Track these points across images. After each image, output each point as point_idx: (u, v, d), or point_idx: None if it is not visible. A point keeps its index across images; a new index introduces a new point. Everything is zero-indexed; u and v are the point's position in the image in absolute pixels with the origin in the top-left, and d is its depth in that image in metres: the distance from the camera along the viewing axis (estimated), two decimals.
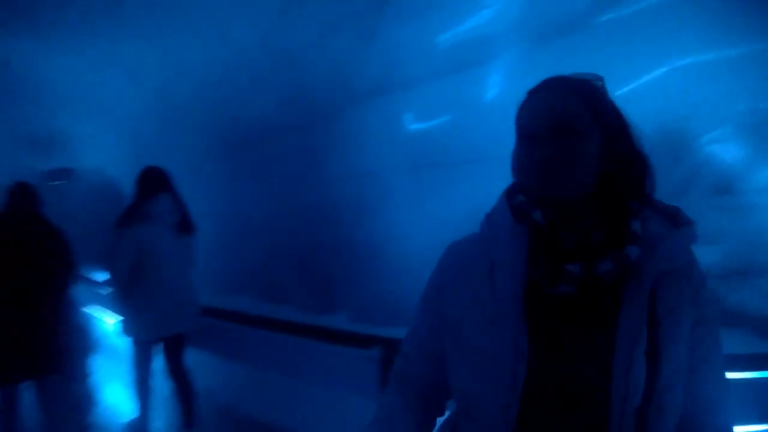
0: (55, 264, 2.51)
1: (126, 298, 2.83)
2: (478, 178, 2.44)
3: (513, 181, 0.74)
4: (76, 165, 5.48)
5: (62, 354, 2.48)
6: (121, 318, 2.80)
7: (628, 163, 0.69)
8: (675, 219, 0.69)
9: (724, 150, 2.12)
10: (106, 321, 4.08)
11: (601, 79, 0.71)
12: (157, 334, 2.86)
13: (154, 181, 2.85)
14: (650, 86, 2.11)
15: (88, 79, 4.19)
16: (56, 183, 5.39)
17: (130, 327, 2.83)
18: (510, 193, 0.74)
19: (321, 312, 3.13)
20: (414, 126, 2.73)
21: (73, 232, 4.55)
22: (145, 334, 2.84)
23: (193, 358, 3.87)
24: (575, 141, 0.64)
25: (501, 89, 2.19)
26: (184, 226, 2.89)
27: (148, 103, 4.24)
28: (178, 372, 2.91)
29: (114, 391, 3.52)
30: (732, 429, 0.72)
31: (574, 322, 0.66)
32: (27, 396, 2.45)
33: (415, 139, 2.67)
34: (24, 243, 2.41)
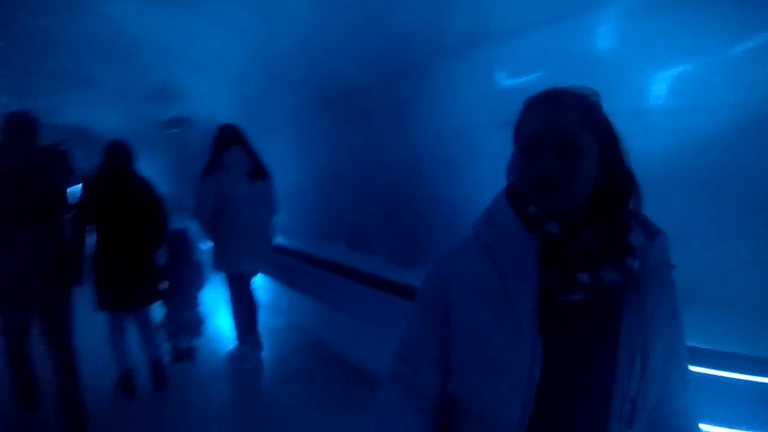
0: (149, 216, 2.84)
1: (210, 237, 3.29)
2: None
3: (508, 185, 0.80)
4: (190, 114, 6.05)
5: (158, 289, 3.00)
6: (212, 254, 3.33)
7: (620, 177, 0.74)
8: (649, 229, 0.74)
9: None
10: None
11: (596, 93, 0.75)
12: (236, 268, 3.33)
13: (227, 136, 3.22)
14: None
15: (196, 36, 4.50)
16: (173, 131, 6.03)
17: (216, 262, 3.33)
18: (513, 200, 0.76)
19: (406, 266, 3.26)
20: (506, 82, 2.58)
21: (190, 174, 5.12)
22: (226, 268, 3.32)
23: (290, 297, 4.31)
24: (575, 156, 0.69)
25: (607, 42, 1.96)
26: (257, 173, 3.24)
27: (249, 58, 4.46)
28: (247, 294, 3.44)
29: (219, 319, 4.08)
30: (695, 410, 0.80)
31: (581, 325, 0.71)
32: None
33: (506, 96, 2.54)
34: (121, 197, 2.74)
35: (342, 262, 3.70)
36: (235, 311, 3.45)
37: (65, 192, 2.59)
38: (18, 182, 2.28)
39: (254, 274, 3.54)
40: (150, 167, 8.11)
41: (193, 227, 3.63)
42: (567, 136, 0.69)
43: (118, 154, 2.85)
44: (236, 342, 3.52)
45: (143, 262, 2.86)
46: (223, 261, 3.30)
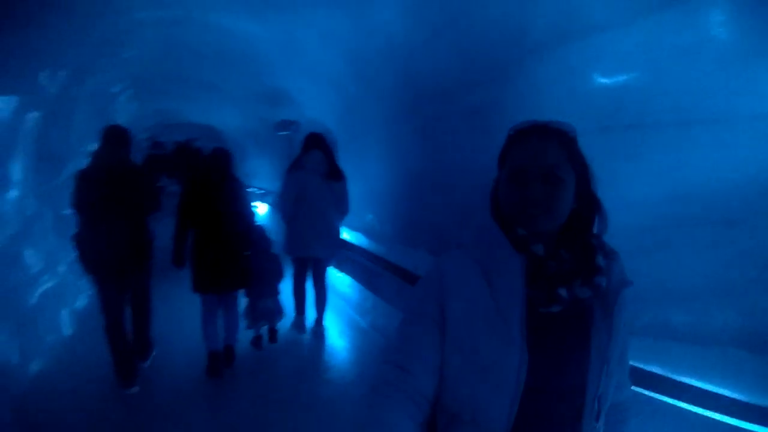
0: (239, 217, 3.30)
1: (286, 224, 3.98)
2: (684, 145, 1.94)
3: (492, 208, 0.92)
4: (298, 117, 6.47)
5: (249, 276, 3.48)
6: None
7: (590, 203, 0.88)
8: (606, 250, 0.88)
9: None
10: None
11: (574, 129, 0.87)
12: (300, 253, 4.01)
13: (311, 141, 3.91)
14: None
15: (298, 44, 4.77)
16: (283, 133, 6.52)
17: (286, 246, 4.06)
18: (498, 221, 0.89)
19: None
20: (601, 80, 2.29)
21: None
22: (292, 251, 4.06)
23: (374, 300, 4.36)
24: (559, 187, 0.82)
25: (720, 33, 1.61)
26: (332, 175, 3.88)
27: (345, 63, 4.61)
28: (318, 285, 4.15)
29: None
30: (631, 400, 1.00)
31: (558, 334, 0.84)
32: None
33: (602, 96, 2.27)
34: (216, 199, 3.18)
35: (418, 272, 3.65)
36: (295, 288, 4.18)
37: (155, 188, 3.36)
38: (113, 180, 2.90)
39: (324, 262, 4.08)
40: (261, 163, 8.89)
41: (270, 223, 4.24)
42: (553, 169, 0.82)
43: (219, 158, 3.31)
44: (294, 313, 4.23)
45: (232, 255, 3.30)
46: (290, 245, 3.96)
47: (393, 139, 4.36)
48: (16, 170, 3.58)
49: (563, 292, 0.82)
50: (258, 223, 3.76)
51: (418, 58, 3.53)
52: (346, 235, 4.99)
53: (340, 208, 4.02)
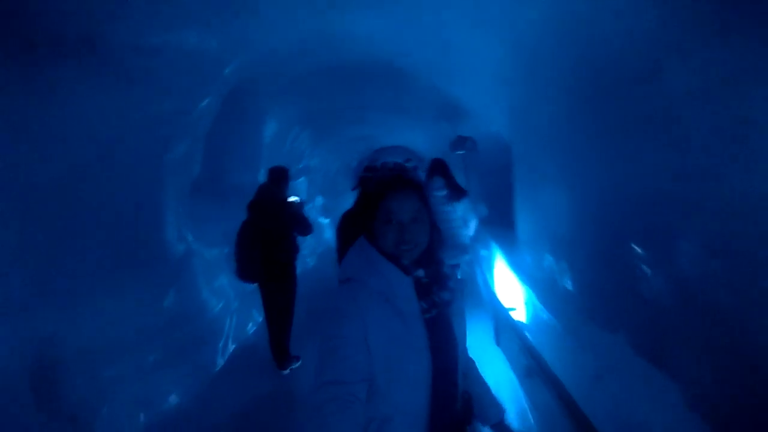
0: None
1: None
2: None
3: (368, 244, 1.22)
4: (473, 133, 5.52)
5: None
6: None
7: (436, 234, 1.25)
8: (446, 262, 1.33)
9: None
10: None
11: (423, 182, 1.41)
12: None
13: (433, 168, 4.25)
14: None
15: (460, 44, 3.90)
16: (459, 152, 5.66)
17: None
18: (381, 253, 1.19)
19: None
20: None
21: (480, 193, 5.02)
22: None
23: None
24: (422, 227, 1.19)
25: None
26: (453, 195, 4.18)
27: (511, 56, 3.49)
28: None
29: None
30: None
31: (439, 332, 1.19)
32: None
33: None
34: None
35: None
36: None
37: (304, 217, 4.03)
38: (272, 212, 3.83)
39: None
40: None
41: None
42: (418, 215, 1.18)
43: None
44: None
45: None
46: None
47: (578, 152, 2.99)
48: None
49: (437, 299, 1.20)
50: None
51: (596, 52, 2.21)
52: (509, 288, 3.77)
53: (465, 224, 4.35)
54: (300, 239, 4.16)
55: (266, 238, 3.81)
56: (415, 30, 3.87)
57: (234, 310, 4.93)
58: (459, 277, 3.99)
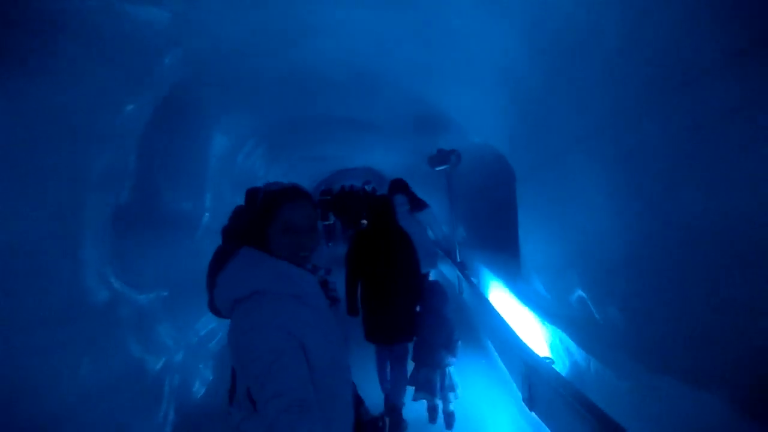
0: (409, 268, 3.19)
1: None
2: None
3: (262, 252, 1.29)
4: (458, 145, 4.90)
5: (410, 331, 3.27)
6: None
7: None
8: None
9: None
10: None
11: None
12: None
13: (393, 187, 4.35)
14: None
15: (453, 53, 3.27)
16: (440, 167, 5.00)
17: None
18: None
19: None
20: None
21: (463, 213, 4.48)
22: None
23: None
24: (317, 233, 1.32)
25: None
26: (415, 208, 4.37)
27: (521, 46, 2.89)
28: None
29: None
30: None
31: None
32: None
33: None
34: (385, 251, 3.19)
35: None
36: None
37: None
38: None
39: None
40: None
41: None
42: (314, 224, 1.30)
43: (381, 211, 3.27)
44: None
45: (395, 308, 3.18)
46: None
47: (622, 156, 2.38)
48: None
49: (333, 295, 1.53)
50: (432, 279, 3.72)
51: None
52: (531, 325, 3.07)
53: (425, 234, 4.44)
54: None
55: None
56: (402, 17, 3.20)
57: (176, 368, 3.89)
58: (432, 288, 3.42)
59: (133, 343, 3.49)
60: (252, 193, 3.50)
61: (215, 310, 3.23)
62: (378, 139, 6.84)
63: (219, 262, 3.13)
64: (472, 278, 4.62)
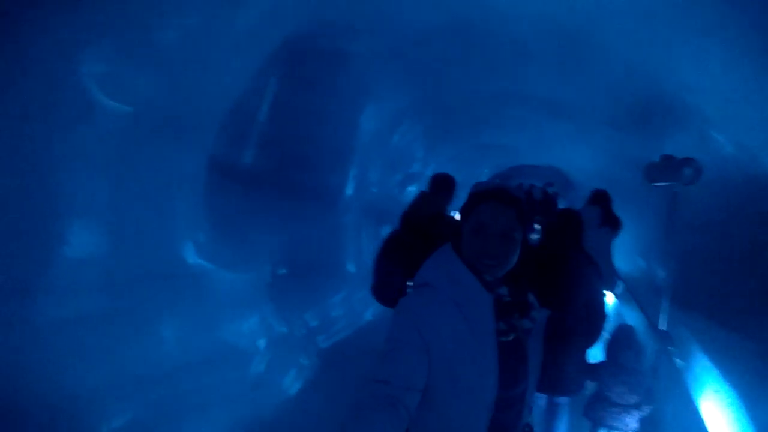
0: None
1: None
2: None
3: (455, 251, 1.18)
4: (704, 149, 3.19)
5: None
6: None
7: (527, 256, 1.18)
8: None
9: None
10: None
11: (522, 198, 1.21)
12: None
13: (593, 198, 4.07)
14: None
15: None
16: (662, 184, 3.35)
17: None
18: (468, 265, 1.15)
19: None
20: None
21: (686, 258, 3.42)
22: None
23: None
24: (511, 245, 1.12)
25: None
26: (607, 223, 3.93)
27: None
28: None
29: None
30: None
31: (511, 356, 1.14)
32: None
33: None
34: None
35: None
36: None
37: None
38: (421, 226, 2.87)
39: None
40: (626, 235, 4.89)
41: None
42: (509, 231, 1.11)
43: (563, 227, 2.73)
44: None
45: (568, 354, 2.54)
46: None
47: None
48: None
49: (516, 324, 1.15)
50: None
51: None
52: None
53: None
54: None
55: (410, 255, 2.74)
56: None
57: (269, 360, 3.44)
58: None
59: (225, 322, 3.14)
60: (439, 180, 3.10)
61: (376, 295, 3.00)
62: (568, 130, 5.31)
63: (395, 251, 3.00)
64: (678, 360, 2.95)
